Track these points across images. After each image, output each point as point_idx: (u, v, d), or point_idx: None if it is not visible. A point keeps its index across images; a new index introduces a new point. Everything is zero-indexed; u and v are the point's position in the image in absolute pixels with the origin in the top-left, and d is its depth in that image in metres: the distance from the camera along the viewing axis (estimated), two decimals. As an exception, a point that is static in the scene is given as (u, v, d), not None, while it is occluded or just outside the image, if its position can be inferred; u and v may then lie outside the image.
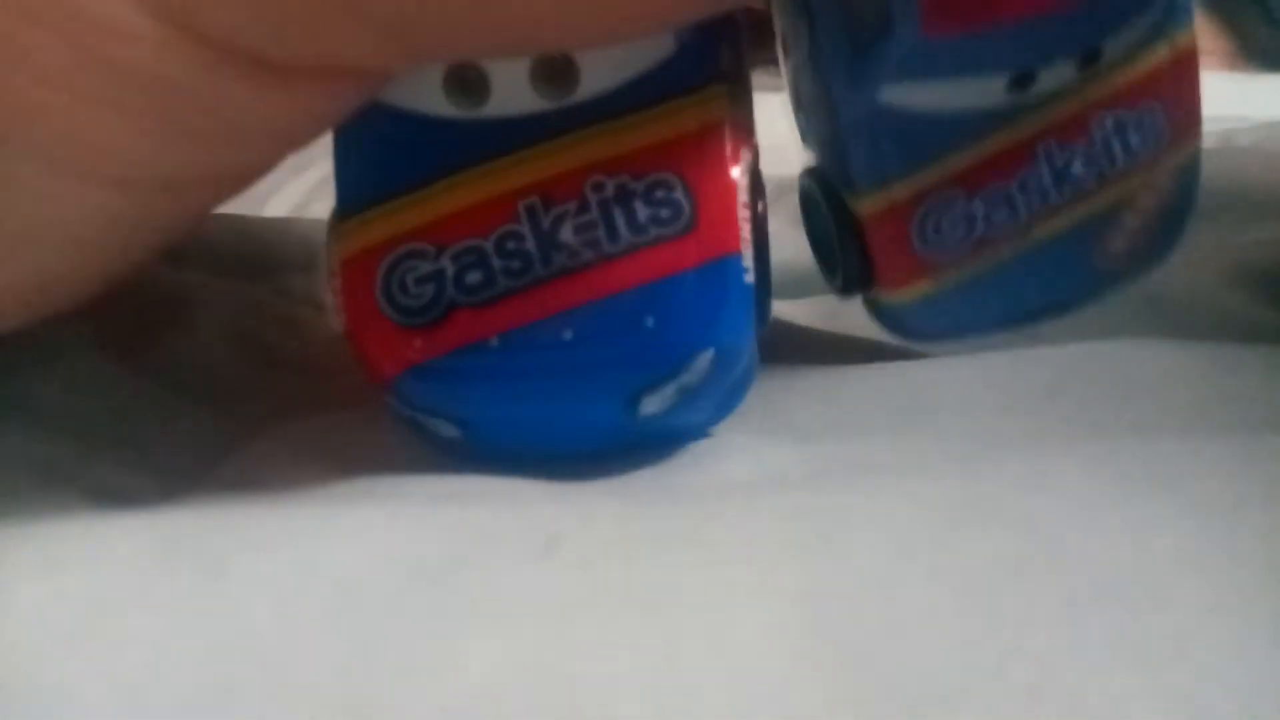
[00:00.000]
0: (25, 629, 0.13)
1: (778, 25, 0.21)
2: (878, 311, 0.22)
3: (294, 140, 0.16)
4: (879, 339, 0.24)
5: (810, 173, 0.22)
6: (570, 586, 0.14)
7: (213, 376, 0.23)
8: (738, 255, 0.16)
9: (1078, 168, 0.20)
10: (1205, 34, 0.74)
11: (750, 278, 0.17)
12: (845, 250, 0.21)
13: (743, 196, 0.17)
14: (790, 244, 0.24)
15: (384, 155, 0.17)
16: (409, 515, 0.16)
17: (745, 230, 0.17)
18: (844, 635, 0.13)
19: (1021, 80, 0.19)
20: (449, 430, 0.17)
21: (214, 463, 0.21)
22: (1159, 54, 0.20)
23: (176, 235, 0.17)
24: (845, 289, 0.22)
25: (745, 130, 0.18)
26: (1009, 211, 0.20)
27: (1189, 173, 0.21)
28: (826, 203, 0.21)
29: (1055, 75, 0.19)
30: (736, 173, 0.17)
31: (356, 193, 0.17)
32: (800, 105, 0.22)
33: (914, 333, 0.22)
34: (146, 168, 0.15)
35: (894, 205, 0.20)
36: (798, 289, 0.26)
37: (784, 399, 0.21)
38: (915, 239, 0.20)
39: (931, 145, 0.19)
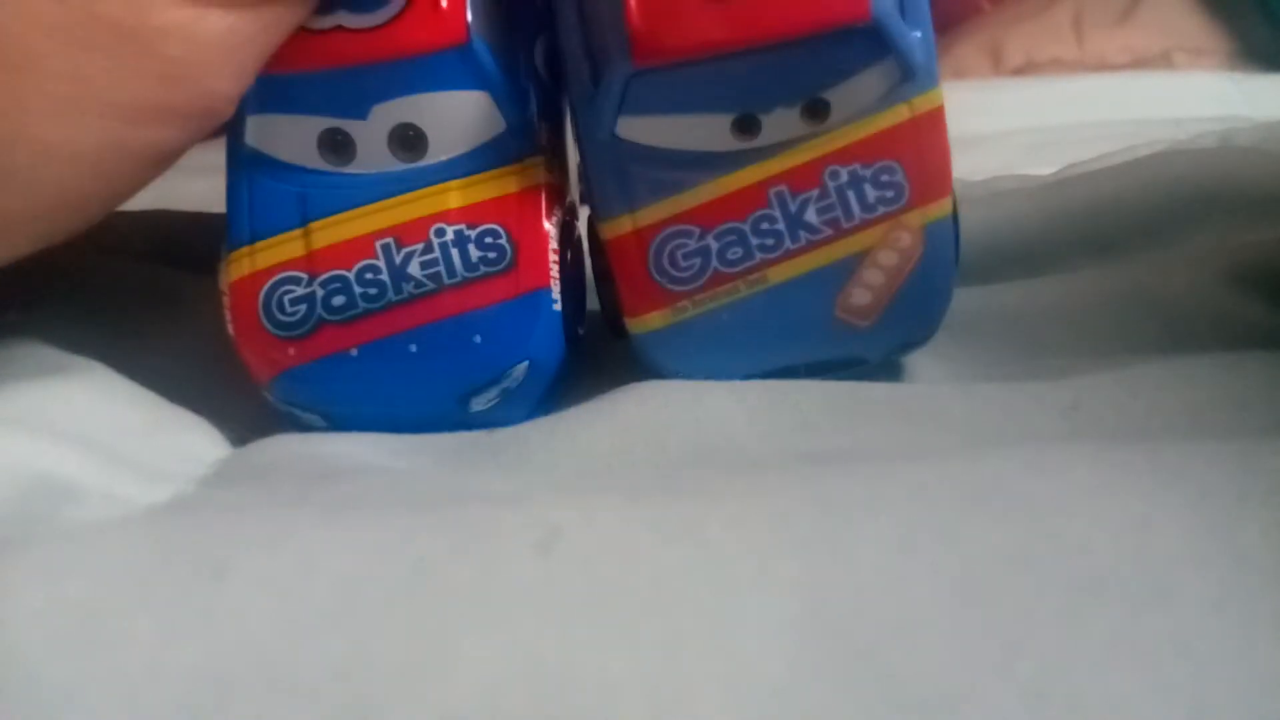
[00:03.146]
0: (27, 632, 0.13)
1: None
2: (633, 346, 0.22)
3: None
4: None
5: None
6: (569, 582, 0.14)
7: (212, 376, 0.23)
8: (548, 289, 0.21)
9: (810, 215, 0.21)
10: (1205, 34, 0.74)
11: (558, 307, 0.21)
12: (600, 276, 0.23)
13: (553, 244, 0.21)
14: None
15: (268, 200, 0.21)
16: (407, 510, 0.16)
17: (555, 270, 0.21)
18: (845, 632, 0.13)
19: (745, 124, 0.20)
20: (317, 422, 0.22)
21: (213, 463, 0.21)
22: (897, 115, 0.21)
23: (157, 166, 0.20)
24: (605, 316, 0.23)
25: (559, 191, 0.22)
26: (743, 250, 0.21)
27: (941, 238, 0.21)
28: (589, 233, 0.23)
29: (780, 123, 0.20)
30: (549, 225, 0.21)
31: (245, 228, 0.21)
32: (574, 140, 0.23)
33: (663, 367, 0.22)
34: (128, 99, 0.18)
35: (634, 232, 0.21)
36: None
37: (788, 398, 0.21)
38: (652, 267, 0.21)
39: (666, 180, 0.21)
